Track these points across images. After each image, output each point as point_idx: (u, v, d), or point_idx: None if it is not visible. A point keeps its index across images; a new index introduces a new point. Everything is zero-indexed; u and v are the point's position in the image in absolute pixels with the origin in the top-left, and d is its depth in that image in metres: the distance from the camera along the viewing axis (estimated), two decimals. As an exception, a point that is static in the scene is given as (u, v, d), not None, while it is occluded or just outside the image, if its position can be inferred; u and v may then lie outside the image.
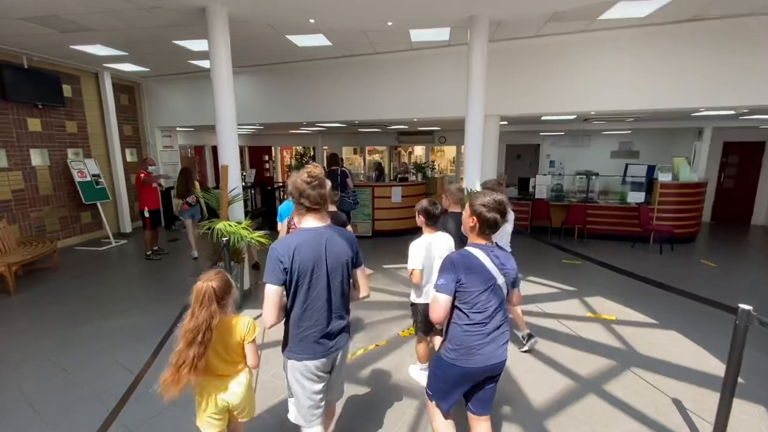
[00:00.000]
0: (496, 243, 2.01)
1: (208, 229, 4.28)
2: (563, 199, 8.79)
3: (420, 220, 2.95)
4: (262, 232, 4.54)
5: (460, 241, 2.54)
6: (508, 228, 3.56)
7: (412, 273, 2.83)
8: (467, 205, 1.98)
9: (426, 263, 2.84)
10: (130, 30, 5.48)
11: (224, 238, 3.93)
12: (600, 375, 3.41)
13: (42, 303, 5.06)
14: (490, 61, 5.24)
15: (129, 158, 9.23)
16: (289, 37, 5.89)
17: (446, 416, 2.12)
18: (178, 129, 10.33)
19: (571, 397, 3.10)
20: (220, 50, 4.79)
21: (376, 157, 16.35)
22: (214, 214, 4.73)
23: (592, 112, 6.45)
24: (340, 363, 2.01)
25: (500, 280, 1.89)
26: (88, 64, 7.63)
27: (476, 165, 5.15)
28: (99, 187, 7.95)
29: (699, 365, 3.55)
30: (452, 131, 12.30)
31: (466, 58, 6.08)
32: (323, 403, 1.98)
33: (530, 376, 3.37)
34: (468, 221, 1.96)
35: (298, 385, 1.90)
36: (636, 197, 7.99)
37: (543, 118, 7.81)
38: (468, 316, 1.88)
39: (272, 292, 1.78)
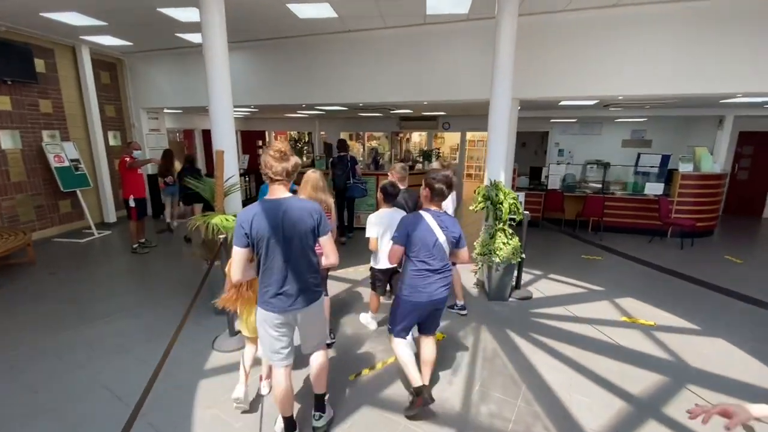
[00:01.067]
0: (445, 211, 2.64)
1: (204, 223, 3.73)
2: (575, 189, 8.38)
3: (379, 196, 3.53)
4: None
5: (409, 210, 3.56)
6: (448, 202, 3.93)
7: (369, 241, 3.33)
8: (423, 180, 2.55)
9: (381, 233, 3.40)
10: (108, -6, 4.80)
11: (221, 235, 3.39)
12: (654, 394, 3.00)
13: (14, 303, 4.49)
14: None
15: (112, 142, 8.52)
16: (290, 6, 5.25)
17: (404, 344, 2.71)
18: (165, 111, 9.59)
19: (629, 422, 2.68)
20: (214, 18, 4.18)
21: (374, 143, 15.74)
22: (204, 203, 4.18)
23: (620, 97, 5.96)
24: (304, 320, 2.26)
25: (441, 238, 2.48)
26: (63, 36, 6.88)
27: (501, 153, 4.65)
28: (79, 173, 7.28)
29: (761, 381, 3.17)
30: (457, 117, 11.74)
31: (485, 35, 5.55)
32: (285, 351, 2.26)
33: (576, 396, 2.95)
34: (423, 192, 2.56)
35: (262, 329, 2.23)
36: (654, 188, 7.59)
37: (562, 103, 7.31)
38: (415, 264, 2.52)
39: (237, 253, 2.09)
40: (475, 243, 4.71)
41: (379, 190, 3.49)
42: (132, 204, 6.15)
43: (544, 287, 5.05)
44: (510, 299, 4.60)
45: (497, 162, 4.65)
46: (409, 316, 2.63)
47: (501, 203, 4.34)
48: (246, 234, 2.04)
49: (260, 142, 15.17)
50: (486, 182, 4.75)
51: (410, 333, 2.80)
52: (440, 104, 7.85)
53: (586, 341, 3.76)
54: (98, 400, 2.83)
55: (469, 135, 12.64)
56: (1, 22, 5.97)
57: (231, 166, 4.13)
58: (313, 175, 3.31)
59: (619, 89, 5.70)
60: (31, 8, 5.39)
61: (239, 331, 3.54)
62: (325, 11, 5.45)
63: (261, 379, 2.97)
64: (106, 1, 5.09)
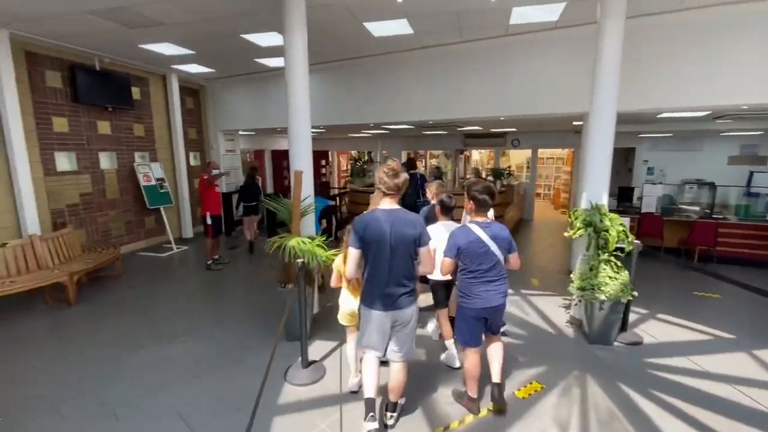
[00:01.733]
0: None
1: (278, 246, 3.58)
2: (674, 213, 7.31)
3: (437, 210, 3.60)
4: (335, 251, 3.78)
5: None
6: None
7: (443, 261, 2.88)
8: (465, 193, 2.73)
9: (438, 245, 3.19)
10: (198, 24, 5.04)
11: (299, 260, 3.19)
12: None
13: (98, 318, 4.68)
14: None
15: (192, 162, 9.05)
16: (366, 24, 5.17)
17: (475, 354, 2.79)
18: (240, 133, 10.08)
19: None
20: (296, 40, 4.17)
21: (433, 161, 15.40)
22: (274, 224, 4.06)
23: (744, 106, 5.07)
24: (402, 325, 2.47)
25: (492, 246, 2.58)
26: (156, 65, 7.46)
27: (603, 173, 4.05)
28: (163, 191, 7.75)
29: None
30: (528, 133, 11.05)
31: (577, 43, 5.06)
32: (380, 347, 2.49)
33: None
34: (467, 205, 2.71)
35: (364, 322, 2.49)
36: (781, 213, 6.36)
37: (662, 115, 6.46)
38: (468, 272, 2.64)
39: (352, 253, 2.39)
40: (571, 275, 4.11)
41: (437, 203, 3.65)
42: (209, 221, 6.34)
43: (654, 329, 4.27)
44: (616, 343, 3.90)
45: (599, 183, 4.06)
46: (470, 323, 2.74)
47: (606, 230, 3.73)
48: (360, 238, 2.35)
49: (323, 162, 15.51)
50: (584, 204, 4.15)
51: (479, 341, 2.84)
52: (517, 119, 7.33)
53: (727, 406, 3.00)
54: (172, 427, 2.70)
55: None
56: (105, 54, 6.59)
57: (307, 186, 4.00)
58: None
59: (744, 98, 4.84)
60: (131, 41, 5.86)
61: (313, 362, 3.31)
62: (402, 28, 5.30)
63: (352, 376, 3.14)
64: (195, 31, 5.37)
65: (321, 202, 6.04)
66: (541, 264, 6.85)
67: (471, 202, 2.64)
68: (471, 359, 2.79)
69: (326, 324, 4.33)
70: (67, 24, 5.07)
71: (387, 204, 2.40)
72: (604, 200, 4.04)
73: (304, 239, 3.65)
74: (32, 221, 5.64)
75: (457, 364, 3.40)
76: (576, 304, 4.17)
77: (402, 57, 6.62)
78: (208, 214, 6.32)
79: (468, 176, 11.04)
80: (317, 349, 3.79)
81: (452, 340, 3.47)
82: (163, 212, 7.72)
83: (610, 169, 4.08)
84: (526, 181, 11.31)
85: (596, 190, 4.05)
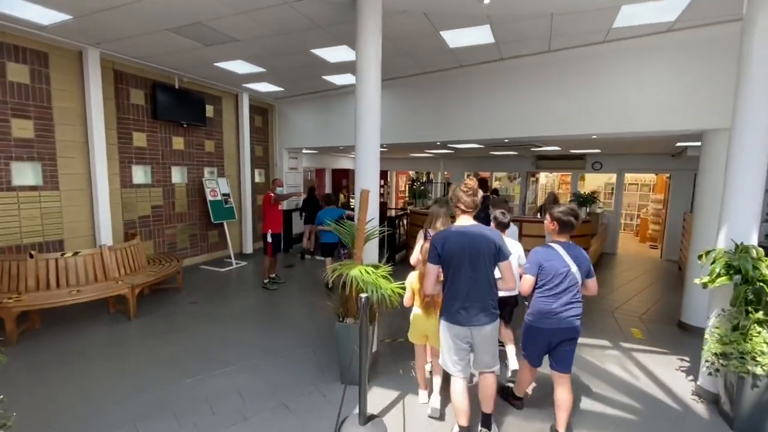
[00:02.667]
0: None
1: (339, 275, 3.13)
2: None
3: (492, 225, 3.52)
4: (399, 284, 3.24)
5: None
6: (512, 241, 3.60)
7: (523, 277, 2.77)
8: (548, 214, 2.73)
9: None
10: (270, 38, 4.95)
11: (363, 295, 2.69)
12: None
13: (154, 334, 4.54)
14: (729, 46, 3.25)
15: (257, 179, 9.16)
16: (442, 33, 4.74)
17: (532, 370, 2.89)
18: (304, 151, 10.11)
19: None
20: (370, 49, 3.83)
21: (497, 184, 14.48)
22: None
23: None
24: (482, 339, 2.51)
25: (573, 268, 2.59)
26: (230, 84, 7.67)
27: (751, 204, 3.12)
28: (228, 206, 7.82)
29: None
30: (613, 155, 9.87)
31: (693, 48, 4.25)
32: (463, 363, 2.56)
33: None
34: (549, 225, 2.70)
35: (444, 340, 2.59)
36: None
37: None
38: (544, 291, 2.63)
39: (430, 269, 2.50)
40: (706, 335, 3.18)
41: (492, 219, 3.67)
42: (269, 239, 6.16)
43: None
44: (775, 436, 2.88)
45: (746, 216, 3.13)
46: (536, 342, 2.69)
47: (764, 280, 2.80)
48: (438, 254, 2.44)
49: (382, 182, 15.28)
50: (721, 243, 3.23)
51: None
52: (610, 139, 6.39)
53: None
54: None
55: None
56: (184, 73, 6.85)
57: (373, 208, 3.54)
58: (441, 210, 3.36)
59: None
60: (208, 60, 5.98)
61: (372, 417, 2.76)
62: (482, 36, 4.79)
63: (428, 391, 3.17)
64: (266, 47, 5.32)
65: (332, 213, 5.72)
66: (639, 309, 5.75)
67: (555, 222, 2.65)
68: (527, 371, 2.91)
69: (385, 365, 3.77)
70: (148, 43, 5.24)
71: (465, 220, 2.51)
72: (753, 239, 3.10)
73: (367, 268, 3.16)
74: (106, 231, 5.82)
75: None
76: (710, 374, 3.20)
77: (476, 71, 6.09)
78: (269, 231, 6.15)
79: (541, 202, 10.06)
80: (376, 398, 3.23)
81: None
82: (226, 227, 7.77)
83: (760, 198, 3.14)
84: (610, 210, 10.03)
85: (742, 225, 3.12)
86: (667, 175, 9.66)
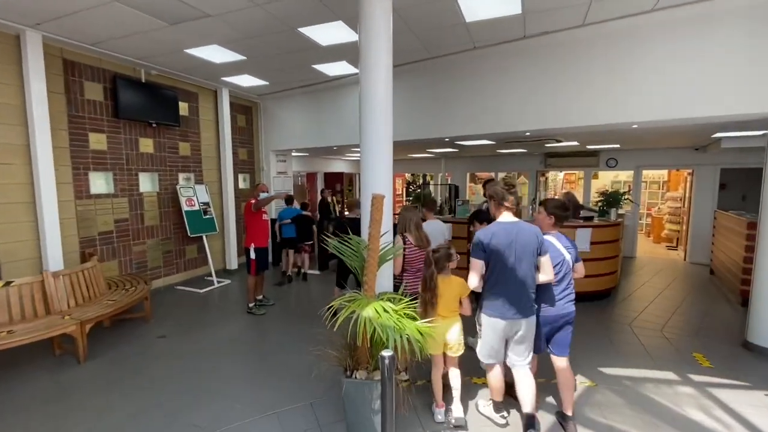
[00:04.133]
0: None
1: (350, 313, 2.22)
2: None
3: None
4: (426, 321, 2.35)
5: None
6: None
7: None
8: (542, 208, 2.87)
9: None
10: (247, 11, 4.05)
11: (385, 353, 1.79)
12: None
13: (108, 383, 3.57)
14: None
15: (242, 185, 8.20)
16: (460, 1, 3.87)
17: (535, 357, 2.86)
18: (293, 154, 9.18)
19: None
20: (378, 13, 2.96)
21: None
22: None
23: None
24: (522, 332, 2.61)
25: (567, 256, 2.77)
26: (207, 78, 6.73)
27: None
28: (207, 217, 6.85)
29: None
30: (629, 151, 9.12)
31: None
32: (500, 355, 2.70)
33: None
34: (546, 219, 2.81)
35: (486, 333, 2.67)
36: None
37: None
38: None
39: (476, 263, 2.57)
40: None
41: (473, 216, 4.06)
42: (252, 255, 5.22)
43: None
44: None
45: None
46: (539, 329, 2.76)
47: None
48: (484, 249, 2.54)
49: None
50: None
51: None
52: (638, 130, 5.59)
53: None
54: None
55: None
56: (152, 64, 5.89)
57: (387, 220, 2.66)
58: (413, 214, 3.46)
59: None
60: (176, 45, 5.05)
61: None
62: (509, 5, 3.94)
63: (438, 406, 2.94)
64: (245, 26, 4.41)
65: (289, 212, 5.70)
66: (689, 326, 4.93)
67: (551, 216, 2.79)
68: (533, 367, 2.85)
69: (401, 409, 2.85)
70: (98, 22, 4.31)
71: (509, 216, 2.61)
72: None
73: (384, 304, 2.26)
74: (55, 252, 4.82)
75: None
76: None
77: (493, 53, 5.25)
78: (252, 246, 5.21)
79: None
80: None
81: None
82: (205, 241, 6.79)
83: None
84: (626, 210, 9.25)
85: None
86: (689, 171, 8.94)
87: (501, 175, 13.31)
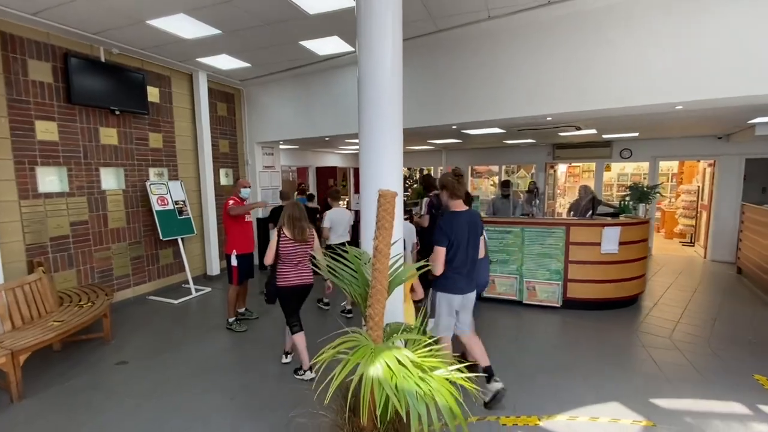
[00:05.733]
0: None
1: (346, 371, 1.48)
2: None
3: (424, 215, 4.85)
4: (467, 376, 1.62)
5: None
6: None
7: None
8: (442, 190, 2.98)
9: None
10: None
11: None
12: None
13: (47, 429, 2.81)
14: None
15: (223, 181, 7.40)
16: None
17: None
18: (281, 146, 8.38)
19: None
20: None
21: (492, 181, 12.98)
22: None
23: None
24: (469, 303, 3.01)
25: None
26: (180, 59, 5.91)
27: None
28: (183, 217, 6.05)
29: None
30: (645, 141, 8.46)
31: None
32: (452, 325, 3.02)
33: None
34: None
35: (442, 309, 2.96)
36: None
37: None
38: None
39: (441, 251, 2.81)
40: None
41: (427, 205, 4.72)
42: (234, 262, 4.46)
43: None
44: None
45: None
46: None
47: None
48: (448, 237, 2.79)
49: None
50: None
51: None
52: (690, 111, 4.89)
53: None
54: None
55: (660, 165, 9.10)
56: (112, 41, 5.07)
57: (397, 224, 1.93)
58: (295, 208, 3.44)
59: None
60: (136, 13, 4.24)
61: None
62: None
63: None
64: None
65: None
66: (739, 340, 4.26)
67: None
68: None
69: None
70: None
71: (461, 205, 2.91)
72: None
73: (399, 353, 1.52)
74: (-8, 263, 4.02)
75: None
76: None
77: (511, 24, 4.51)
78: (233, 252, 4.45)
79: (571, 198, 8.55)
80: None
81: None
82: (181, 244, 6.01)
83: None
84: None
85: None
86: (709, 162, 8.31)
87: (495, 168, 12.65)
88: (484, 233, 3.16)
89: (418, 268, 2.16)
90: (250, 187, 4.69)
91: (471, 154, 10.89)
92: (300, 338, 3.47)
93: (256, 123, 7.56)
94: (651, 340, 4.27)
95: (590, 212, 5.96)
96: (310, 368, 3.45)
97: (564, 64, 4.30)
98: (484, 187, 12.69)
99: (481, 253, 3.04)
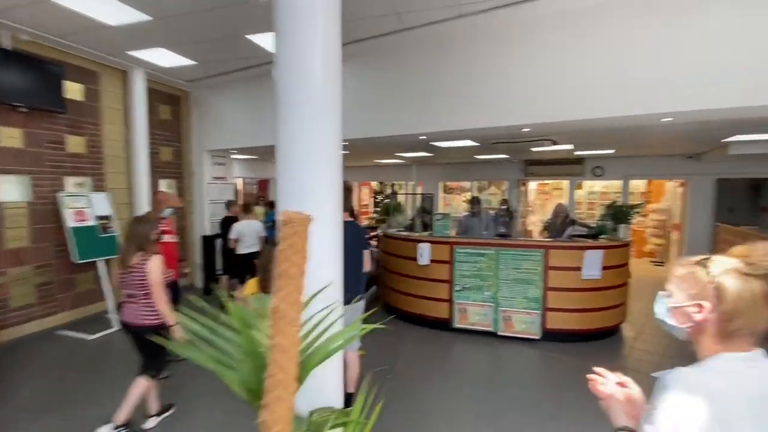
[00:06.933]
0: None
1: None
2: None
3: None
4: None
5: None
6: None
7: None
8: None
9: None
10: None
11: None
12: None
13: None
14: None
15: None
16: None
17: None
18: (234, 156, 7.59)
19: None
20: None
21: (465, 196, 12.64)
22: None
23: None
24: (353, 315, 2.78)
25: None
26: (110, 53, 5.11)
27: None
28: (106, 235, 5.14)
29: None
30: (618, 159, 8.29)
31: None
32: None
33: None
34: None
35: None
36: None
37: None
38: None
39: None
40: None
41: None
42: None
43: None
44: None
45: None
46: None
47: None
48: None
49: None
50: None
51: None
52: (678, 124, 4.56)
53: None
54: None
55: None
56: (19, 25, 4.22)
57: (329, 256, 1.28)
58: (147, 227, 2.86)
59: None
60: (38, -12, 3.46)
61: None
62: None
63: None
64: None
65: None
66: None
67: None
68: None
69: None
70: None
71: (346, 217, 2.79)
72: None
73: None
74: None
75: None
76: None
77: (487, 22, 4.05)
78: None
79: (545, 218, 8.18)
80: None
81: None
82: (102, 268, 5.06)
83: None
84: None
85: None
86: (680, 181, 8.22)
87: (466, 184, 12.33)
88: (370, 248, 3.18)
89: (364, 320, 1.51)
90: (177, 205, 3.83)
91: (442, 168, 10.47)
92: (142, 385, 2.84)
93: (206, 129, 6.77)
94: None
95: (567, 233, 5.53)
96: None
97: (544, 71, 3.86)
98: (456, 203, 12.29)
99: (366, 267, 3.10)
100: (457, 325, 4.91)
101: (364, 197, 14.81)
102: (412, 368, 4.02)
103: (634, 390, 1.10)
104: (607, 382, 1.10)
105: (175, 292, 3.95)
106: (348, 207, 2.97)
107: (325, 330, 1.25)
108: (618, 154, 7.80)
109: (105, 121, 5.50)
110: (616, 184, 10.01)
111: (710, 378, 0.86)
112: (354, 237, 2.88)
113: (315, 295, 1.34)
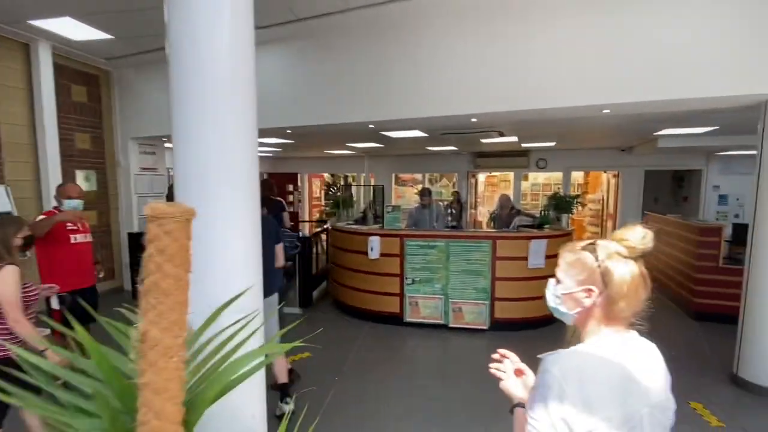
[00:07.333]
0: None
1: None
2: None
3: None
4: None
5: None
6: None
7: None
8: None
9: None
10: None
11: None
12: None
13: None
14: None
15: (84, 185, 5.75)
16: None
17: None
18: (166, 144, 6.91)
19: None
20: None
21: (417, 188, 12.71)
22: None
23: None
24: (270, 308, 2.78)
25: None
26: (4, 21, 4.34)
27: None
28: None
29: None
30: (560, 152, 8.63)
31: None
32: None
33: None
34: None
35: None
36: None
37: None
38: None
39: None
40: None
41: None
42: (54, 305, 3.12)
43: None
44: None
45: None
46: None
47: None
48: None
49: (291, 187, 12.45)
50: None
51: None
52: (618, 116, 4.71)
53: None
54: None
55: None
56: None
57: (243, 262, 1.04)
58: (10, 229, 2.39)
59: None
60: None
61: None
62: None
63: None
64: None
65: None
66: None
67: None
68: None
69: None
70: None
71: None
72: None
73: None
74: None
75: None
76: None
77: (433, 5, 3.89)
78: (54, 290, 3.07)
79: (492, 209, 8.33)
80: None
81: None
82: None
83: None
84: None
85: None
86: (614, 173, 8.76)
87: (409, 176, 12.40)
88: (282, 242, 3.19)
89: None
90: (77, 197, 3.26)
91: (393, 160, 10.35)
92: None
93: (131, 114, 6.07)
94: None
95: (514, 223, 5.63)
96: None
97: (499, 58, 3.79)
98: (409, 195, 12.27)
99: (279, 262, 3.10)
100: (409, 319, 4.82)
101: (315, 189, 14.37)
102: (363, 366, 3.86)
103: (530, 378, 1.13)
104: (506, 370, 1.15)
105: (92, 299, 3.44)
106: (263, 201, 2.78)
107: (233, 351, 1.01)
108: (559, 146, 8.12)
109: (1, 102, 4.70)
110: (555, 176, 10.52)
111: (582, 360, 0.90)
112: (265, 231, 2.72)
113: (225, 306, 1.09)
